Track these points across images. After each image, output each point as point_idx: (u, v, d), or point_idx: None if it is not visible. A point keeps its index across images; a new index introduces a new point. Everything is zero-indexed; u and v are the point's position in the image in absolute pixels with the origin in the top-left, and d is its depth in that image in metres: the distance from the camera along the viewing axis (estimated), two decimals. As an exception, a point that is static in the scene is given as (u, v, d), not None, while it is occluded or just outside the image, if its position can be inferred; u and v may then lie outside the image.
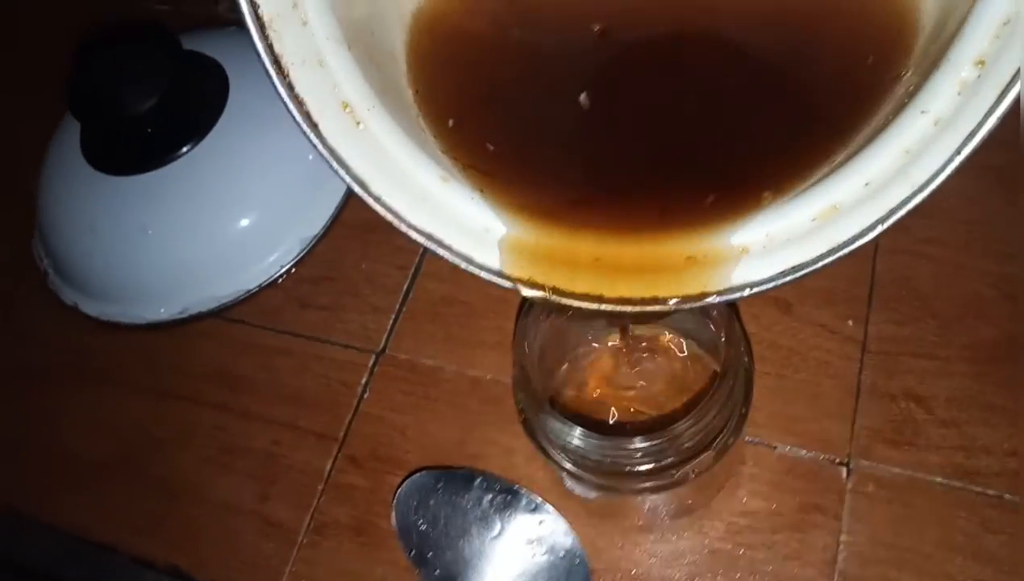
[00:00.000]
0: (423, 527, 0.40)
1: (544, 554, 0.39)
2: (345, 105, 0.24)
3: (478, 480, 0.41)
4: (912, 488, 0.39)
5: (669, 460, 0.33)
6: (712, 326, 0.35)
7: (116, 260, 0.50)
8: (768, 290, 0.23)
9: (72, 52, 0.48)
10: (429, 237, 0.24)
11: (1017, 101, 0.20)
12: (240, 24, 0.23)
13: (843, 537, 0.38)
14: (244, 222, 0.50)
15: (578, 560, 0.39)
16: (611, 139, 0.27)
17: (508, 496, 0.40)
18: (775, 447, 0.41)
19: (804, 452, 0.40)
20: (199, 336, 0.50)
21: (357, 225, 0.51)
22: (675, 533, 0.40)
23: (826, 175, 0.23)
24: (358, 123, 0.24)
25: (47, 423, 0.49)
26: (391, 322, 0.48)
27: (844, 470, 0.40)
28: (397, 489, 0.42)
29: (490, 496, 0.41)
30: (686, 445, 0.32)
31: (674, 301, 0.23)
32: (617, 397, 0.41)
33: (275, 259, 0.51)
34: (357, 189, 0.24)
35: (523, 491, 0.40)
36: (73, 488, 0.47)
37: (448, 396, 0.45)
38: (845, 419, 0.41)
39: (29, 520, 0.46)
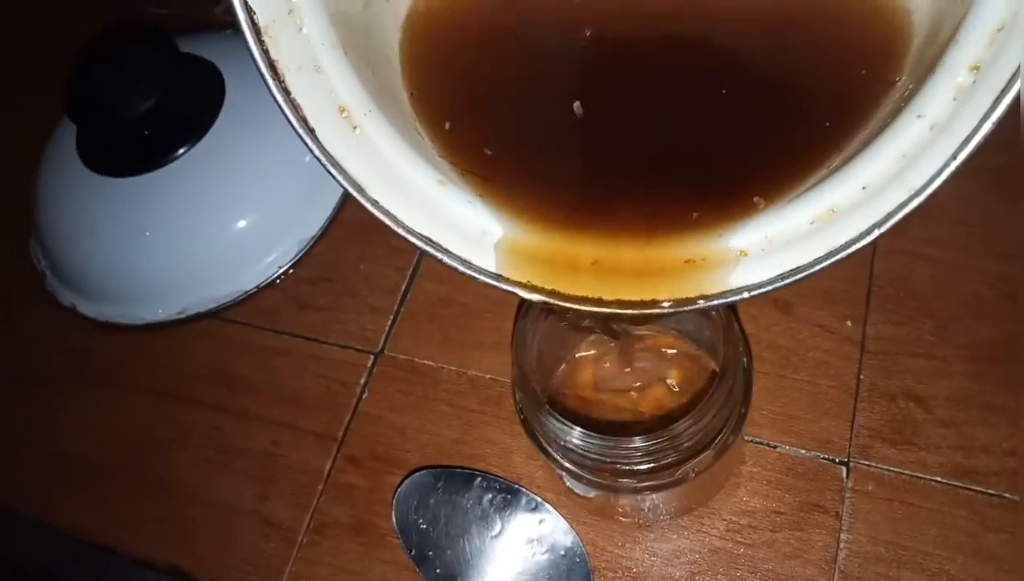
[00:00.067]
0: (423, 526, 0.40)
1: (544, 553, 0.39)
2: (342, 110, 0.24)
3: (478, 479, 0.41)
4: (912, 487, 0.39)
5: (669, 459, 0.33)
6: (711, 326, 0.35)
7: (114, 261, 0.50)
8: (766, 293, 0.23)
9: (70, 55, 0.48)
10: (427, 240, 0.24)
11: (1012, 105, 0.20)
12: (236, 27, 0.23)
13: (843, 536, 0.38)
14: (242, 223, 0.50)
15: (578, 559, 0.39)
16: (607, 143, 0.27)
17: (508, 495, 0.40)
18: (775, 446, 0.41)
19: (804, 451, 0.41)
20: (197, 337, 0.50)
21: (355, 226, 0.51)
22: (675, 532, 0.40)
23: (823, 179, 0.23)
24: (355, 127, 0.24)
25: (46, 424, 0.49)
26: (389, 323, 0.48)
27: (844, 469, 0.40)
28: (397, 488, 0.42)
29: (490, 495, 0.41)
30: (686, 444, 0.32)
31: (672, 304, 0.23)
32: (616, 397, 0.41)
33: (273, 260, 0.51)
34: (354, 193, 0.24)
35: (523, 490, 0.40)
36: (72, 489, 0.47)
37: (447, 396, 0.45)
38: (844, 419, 0.41)
39: (29, 521, 0.46)
